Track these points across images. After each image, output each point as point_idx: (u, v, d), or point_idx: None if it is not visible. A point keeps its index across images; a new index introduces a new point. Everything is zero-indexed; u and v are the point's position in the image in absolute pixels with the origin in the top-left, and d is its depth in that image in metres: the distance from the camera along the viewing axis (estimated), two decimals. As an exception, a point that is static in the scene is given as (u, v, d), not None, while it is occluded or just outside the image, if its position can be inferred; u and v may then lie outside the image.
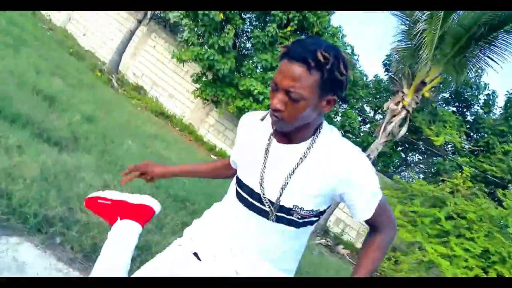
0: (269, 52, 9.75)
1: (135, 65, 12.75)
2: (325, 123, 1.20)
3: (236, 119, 11.08)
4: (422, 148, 11.47)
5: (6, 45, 5.61)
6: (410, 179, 10.34)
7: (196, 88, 10.39)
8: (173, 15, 10.38)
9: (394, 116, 7.92)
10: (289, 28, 10.01)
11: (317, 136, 1.16)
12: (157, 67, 12.51)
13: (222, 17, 9.52)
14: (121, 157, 4.09)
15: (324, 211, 1.21)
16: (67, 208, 2.44)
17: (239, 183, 1.25)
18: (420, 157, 12.55)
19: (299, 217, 1.17)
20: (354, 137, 11.06)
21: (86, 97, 5.97)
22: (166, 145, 6.56)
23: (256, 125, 1.26)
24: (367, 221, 1.22)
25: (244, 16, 10.61)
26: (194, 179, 5.29)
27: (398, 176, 10.50)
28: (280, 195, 1.15)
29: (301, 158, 1.14)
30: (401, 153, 12.07)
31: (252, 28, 10.42)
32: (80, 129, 4.15)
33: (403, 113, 7.82)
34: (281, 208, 1.16)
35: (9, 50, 5.47)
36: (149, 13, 10.95)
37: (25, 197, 2.19)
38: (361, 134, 11.15)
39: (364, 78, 11.50)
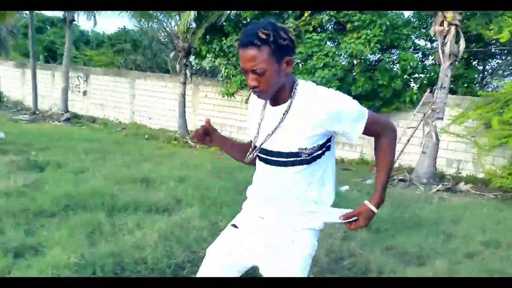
0: (300, 45, 9.94)
1: (199, 119, 13.78)
2: (300, 81, 1.51)
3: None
4: (495, 51, 10.56)
5: (95, 160, 6.58)
6: (500, 87, 9.55)
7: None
8: (206, 62, 11.15)
9: (445, 36, 7.57)
10: (306, 15, 10.21)
11: (294, 93, 1.47)
12: (216, 110, 13.38)
13: (246, 39, 10.03)
14: (219, 195, 4.63)
15: (324, 143, 1.51)
16: (190, 251, 2.95)
17: (255, 147, 1.59)
18: (499, 61, 11.52)
19: (307, 155, 1.48)
20: (422, 75, 10.61)
21: (173, 165, 6.73)
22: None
23: (256, 100, 1.61)
24: (367, 135, 1.51)
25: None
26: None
27: (488, 90, 9.82)
28: (282, 145, 1.50)
29: (284, 114, 1.47)
30: (477, 66, 11.22)
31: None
32: (177, 192, 4.75)
33: (452, 29, 7.44)
34: (291, 154, 1.48)
35: (99, 161, 6.44)
36: (188, 72, 11.90)
37: (156, 257, 2.73)
38: (427, 69, 10.65)
39: (402, 16, 11.07)
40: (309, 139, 1.47)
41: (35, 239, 2.99)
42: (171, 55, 12.60)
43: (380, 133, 1.55)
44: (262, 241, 1.60)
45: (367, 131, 1.51)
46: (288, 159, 1.50)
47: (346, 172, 8.67)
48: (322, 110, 1.43)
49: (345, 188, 6.73)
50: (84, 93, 17.02)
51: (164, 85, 14.42)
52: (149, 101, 14.72)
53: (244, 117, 12.70)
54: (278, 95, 1.49)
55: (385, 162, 1.55)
